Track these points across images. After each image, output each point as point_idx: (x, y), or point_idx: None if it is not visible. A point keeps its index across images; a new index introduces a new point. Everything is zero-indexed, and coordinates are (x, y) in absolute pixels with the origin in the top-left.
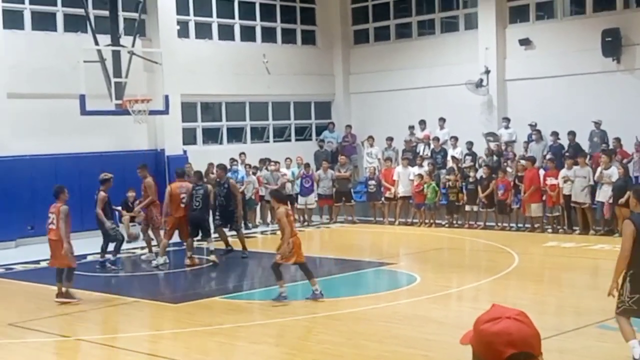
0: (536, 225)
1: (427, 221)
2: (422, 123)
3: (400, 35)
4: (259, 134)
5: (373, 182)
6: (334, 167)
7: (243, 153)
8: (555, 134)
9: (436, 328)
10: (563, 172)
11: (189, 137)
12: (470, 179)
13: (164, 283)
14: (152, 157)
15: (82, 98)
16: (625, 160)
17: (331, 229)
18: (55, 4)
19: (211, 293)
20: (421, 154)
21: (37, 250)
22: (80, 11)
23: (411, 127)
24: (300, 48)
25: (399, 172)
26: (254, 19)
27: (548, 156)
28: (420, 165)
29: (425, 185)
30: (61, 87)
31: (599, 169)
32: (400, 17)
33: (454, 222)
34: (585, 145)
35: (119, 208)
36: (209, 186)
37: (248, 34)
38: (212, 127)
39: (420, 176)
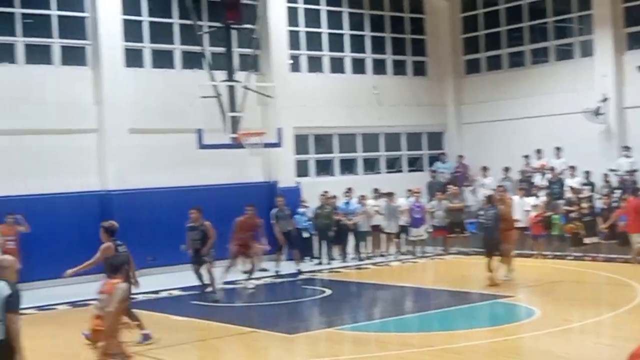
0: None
1: (544, 253)
2: (538, 152)
3: (513, 64)
4: (370, 165)
5: None
6: (447, 198)
7: (349, 188)
8: None
9: None
10: None
11: (301, 169)
12: (587, 210)
13: (280, 314)
14: (266, 189)
15: (199, 132)
16: None
17: (445, 260)
18: (172, 42)
19: (326, 324)
20: (537, 184)
21: (157, 281)
22: (197, 49)
23: (526, 157)
24: (411, 79)
25: (515, 202)
26: (365, 52)
27: None
28: (537, 196)
29: (554, 217)
30: (179, 122)
31: None
32: (513, 46)
33: (573, 254)
34: None
35: None
36: (501, 207)
37: (359, 67)
38: (324, 158)
39: (537, 207)
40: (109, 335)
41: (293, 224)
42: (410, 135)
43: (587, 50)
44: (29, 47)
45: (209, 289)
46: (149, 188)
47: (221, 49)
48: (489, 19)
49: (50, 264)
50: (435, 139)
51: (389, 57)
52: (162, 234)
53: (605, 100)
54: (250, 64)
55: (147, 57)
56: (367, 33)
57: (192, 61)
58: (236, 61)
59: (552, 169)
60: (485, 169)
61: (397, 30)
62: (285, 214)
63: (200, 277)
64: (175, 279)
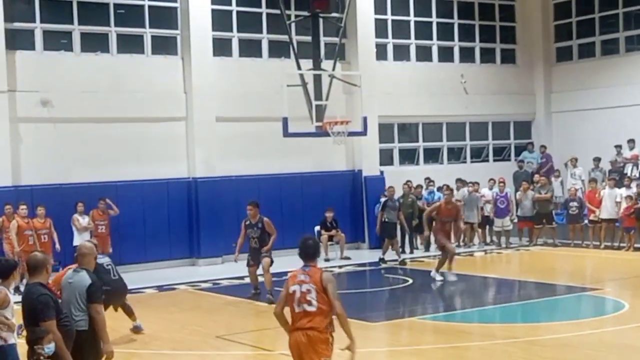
0: None
1: (636, 246)
2: (631, 142)
3: (606, 52)
4: (455, 155)
5: (575, 203)
6: (534, 189)
7: (428, 178)
8: None
9: None
10: None
11: (385, 158)
12: None
13: (362, 302)
14: (350, 178)
15: (285, 121)
16: None
17: (531, 251)
18: (260, 32)
19: (408, 313)
20: (629, 174)
21: (241, 267)
22: (284, 37)
23: (618, 147)
24: (499, 67)
25: (605, 193)
26: (452, 40)
27: None
28: (628, 187)
29: None
30: (265, 111)
31: None
32: (606, 33)
33: None
34: None
35: (318, 227)
36: None
37: (446, 55)
38: (408, 147)
39: (629, 198)
40: (326, 339)
41: (394, 215)
42: (497, 124)
43: None
44: (121, 37)
45: (258, 291)
46: (234, 175)
47: (308, 38)
48: (583, 6)
49: (139, 248)
50: (523, 128)
51: (477, 45)
52: None
53: None
54: (337, 52)
55: (235, 46)
56: (455, 20)
57: (279, 50)
58: (323, 50)
59: None
60: (574, 159)
61: (487, 17)
62: (395, 205)
63: (255, 279)
64: None
